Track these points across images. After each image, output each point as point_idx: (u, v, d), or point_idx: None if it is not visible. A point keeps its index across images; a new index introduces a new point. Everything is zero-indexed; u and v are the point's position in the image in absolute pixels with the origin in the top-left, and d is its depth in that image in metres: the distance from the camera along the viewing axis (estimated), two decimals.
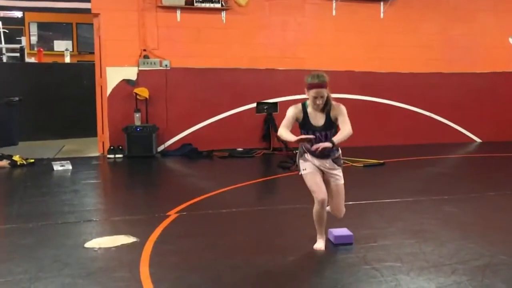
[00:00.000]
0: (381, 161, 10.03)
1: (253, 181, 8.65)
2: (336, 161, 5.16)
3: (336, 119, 4.96)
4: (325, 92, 4.88)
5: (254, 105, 11.26)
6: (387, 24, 12.17)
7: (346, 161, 9.74)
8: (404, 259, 5.00)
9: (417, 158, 10.74)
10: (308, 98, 4.97)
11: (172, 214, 6.55)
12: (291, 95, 11.09)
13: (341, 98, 11.82)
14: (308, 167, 5.12)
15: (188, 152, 10.77)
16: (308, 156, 5.12)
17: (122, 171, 9.98)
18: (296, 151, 5.46)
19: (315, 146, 4.87)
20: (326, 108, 4.96)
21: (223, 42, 11.15)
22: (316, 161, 5.10)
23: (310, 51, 11.63)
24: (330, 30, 11.85)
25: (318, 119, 4.98)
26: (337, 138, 4.87)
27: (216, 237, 5.76)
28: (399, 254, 5.13)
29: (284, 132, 4.94)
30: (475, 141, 13.01)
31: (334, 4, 11.86)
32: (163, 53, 10.84)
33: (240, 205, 7.09)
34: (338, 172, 5.18)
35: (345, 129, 4.90)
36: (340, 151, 5.21)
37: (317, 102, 4.88)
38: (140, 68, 10.75)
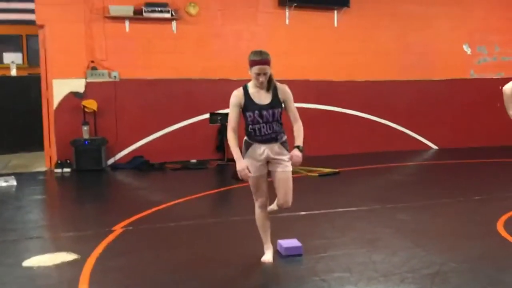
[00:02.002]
0: (336, 170, 9.90)
1: (206, 193, 8.42)
2: (284, 145, 4.96)
3: (284, 101, 4.87)
4: (268, 69, 4.77)
5: (208, 115, 11.02)
6: (342, 32, 12.10)
7: (301, 171, 9.65)
8: (353, 269, 4.85)
9: (373, 167, 10.65)
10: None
11: (118, 229, 6.30)
12: None
13: (297, 108, 11.74)
14: (254, 169, 4.90)
15: (139, 164, 10.49)
16: (255, 146, 4.88)
17: (69, 186, 9.65)
18: None
19: (292, 158, 4.78)
20: (270, 86, 4.85)
21: (175, 52, 10.93)
22: (264, 148, 4.87)
23: None
24: (284, 39, 11.72)
25: (262, 98, 4.83)
26: (300, 141, 4.81)
27: (162, 251, 5.53)
28: (349, 264, 4.98)
29: (232, 140, 4.80)
30: (432, 148, 13.01)
31: (287, 13, 11.75)
32: (111, 65, 10.55)
33: (189, 218, 6.86)
34: (286, 158, 4.95)
35: (299, 127, 4.90)
36: (285, 136, 4.99)
37: (260, 79, 4.76)
38: (88, 80, 10.44)
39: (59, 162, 10.29)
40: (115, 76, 10.57)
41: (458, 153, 12.19)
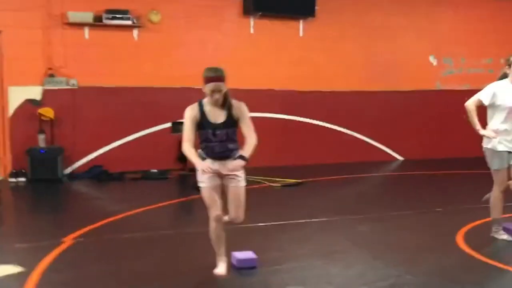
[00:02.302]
0: (299, 181, 9.75)
1: (165, 204, 8.19)
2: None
3: (238, 119, 4.68)
4: (222, 86, 4.59)
5: (170, 124, 10.77)
6: (307, 42, 11.98)
7: (263, 181, 9.48)
8: (308, 282, 4.70)
9: (338, 177, 10.52)
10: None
11: (68, 241, 6.05)
12: None
13: (262, 117, 11.58)
14: (207, 180, 4.75)
15: (97, 174, 10.20)
16: (208, 161, 4.72)
17: (23, 196, 9.33)
18: None
19: (231, 167, 4.59)
20: (226, 104, 4.66)
21: (136, 60, 10.68)
22: (218, 165, 4.72)
23: (228, 69, 11.09)
24: (249, 48, 11.56)
25: (217, 116, 4.66)
26: (247, 152, 4.58)
27: (111, 265, 5.32)
28: (304, 277, 4.83)
29: (188, 149, 4.60)
30: (397, 159, 12.94)
31: (251, 22, 11.60)
32: (70, 72, 10.26)
33: (145, 229, 6.65)
34: (240, 174, 4.82)
35: (252, 139, 4.66)
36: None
37: (215, 97, 4.57)
38: (45, 88, 10.13)
39: (13, 171, 9.94)
40: (73, 84, 10.27)
41: (424, 164, 12.13)
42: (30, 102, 10.11)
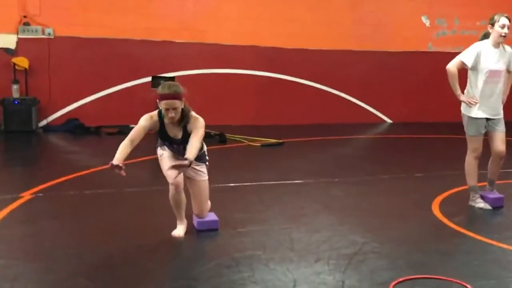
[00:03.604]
0: (280, 141, 9.49)
1: (137, 160, 7.89)
2: (200, 157, 4.70)
3: (191, 131, 4.48)
4: (178, 103, 4.35)
5: (149, 79, 10.42)
6: None
7: (243, 140, 9.21)
8: (268, 247, 4.47)
9: (321, 139, 10.28)
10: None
11: (26, 196, 5.80)
12: (189, 69, 10.39)
13: (245, 74, 11.27)
14: (166, 152, 4.68)
15: (73, 127, 9.94)
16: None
17: None
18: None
19: (175, 166, 4.30)
20: (183, 121, 4.47)
21: (115, 11, 10.31)
22: (178, 158, 4.60)
23: (211, 23, 10.93)
24: (233, 3, 11.18)
25: (175, 132, 4.54)
26: (191, 154, 4.30)
27: (67, 221, 5.10)
28: (265, 241, 4.60)
29: (124, 146, 4.40)
30: (385, 121, 12.69)
31: None
32: (46, 20, 9.90)
33: (111, 186, 6.40)
34: (202, 168, 4.77)
35: (193, 141, 4.39)
36: (205, 147, 4.81)
37: (170, 115, 4.36)
38: (19, 36, 9.78)
39: None
40: (49, 33, 9.93)
41: (411, 128, 11.88)
42: (3, 50, 9.79)
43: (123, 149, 4.37)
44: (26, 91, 9.84)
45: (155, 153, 4.83)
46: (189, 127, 4.49)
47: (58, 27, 9.97)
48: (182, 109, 4.40)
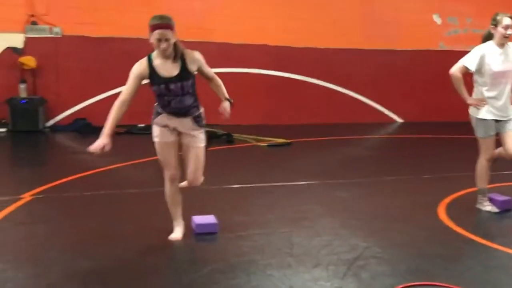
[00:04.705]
0: (288, 141, 9.38)
1: (144, 160, 7.86)
2: (197, 120, 4.48)
3: (198, 69, 4.40)
4: (170, 34, 4.18)
5: None
6: None
7: (250, 140, 9.13)
8: (267, 251, 4.38)
9: (329, 139, 10.16)
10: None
11: (26, 197, 5.76)
12: None
13: (253, 74, 11.19)
14: (161, 134, 4.46)
15: (80, 127, 9.90)
16: (164, 116, 4.41)
17: (0, 147, 9.03)
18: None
19: (223, 112, 4.47)
20: (177, 56, 4.29)
21: (123, 10, 10.26)
22: (175, 122, 4.40)
23: (219, 22, 10.86)
24: (242, 1, 11.10)
25: (169, 70, 4.29)
26: (226, 93, 4.54)
27: (61, 225, 5.05)
28: (264, 245, 4.51)
29: (115, 110, 4.37)
30: (396, 121, 12.53)
31: None
32: (53, 20, 9.89)
33: (113, 187, 6.38)
34: (199, 134, 4.51)
35: (217, 80, 4.58)
36: (202, 109, 4.55)
37: (162, 46, 4.17)
38: (27, 35, 9.77)
39: None
40: (57, 32, 9.92)
41: (423, 127, 11.70)
42: (11, 50, 9.77)
43: (114, 116, 4.33)
44: (33, 91, 9.82)
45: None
46: (189, 63, 4.32)
47: (65, 26, 9.96)
48: (174, 43, 4.24)
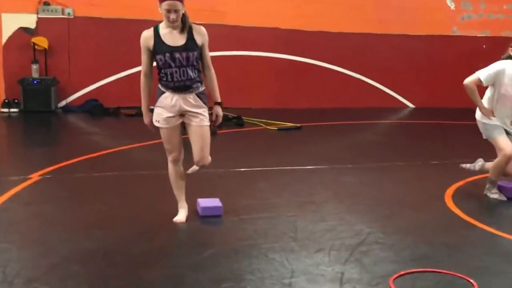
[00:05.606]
0: (298, 125, 9.35)
1: (154, 142, 7.83)
2: (201, 96, 4.46)
3: (201, 45, 4.39)
4: (179, 5, 4.20)
5: None
6: None
7: (260, 124, 9.12)
8: (270, 236, 4.39)
9: (340, 123, 10.12)
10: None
11: (34, 177, 5.79)
12: (209, 51, 10.27)
13: (265, 57, 11.14)
14: (163, 118, 4.45)
15: (92, 108, 9.94)
16: (168, 95, 4.39)
17: (12, 127, 9.16)
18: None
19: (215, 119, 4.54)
20: (185, 27, 4.31)
21: None
22: (177, 99, 4.37)
23: (231, 4, 10.79)
24: None
25: (176, 39, 4.31)
26: (218, 93, 4.54)
27: (66, 205, 5.07)
28: (268, 230, 4.52)
29: (143, 86, 4.56)
30: (408, 106, 12.44)
31: None
32: (66, 1, 9.87)
33: (122, 168, 6.41)
34: (203, 112, 4.49)
35: (212, 74, 4.51)
36: (203, 87, 4.52)
37: (171, 17, 4.20)
38: (39, 16, 9.78)
39: (6, 101, 9.74)
40: (69, 13, 9.91)
41: (434, 113, 11.59)
42: (23, 30, 9.80)
43: (147, 92, 4.54)
44: (45, 71, 9.86)
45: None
46: (196, 36, 4.35)
47: (78, 7, 9.95)
48: (182, 14, 4.26)
